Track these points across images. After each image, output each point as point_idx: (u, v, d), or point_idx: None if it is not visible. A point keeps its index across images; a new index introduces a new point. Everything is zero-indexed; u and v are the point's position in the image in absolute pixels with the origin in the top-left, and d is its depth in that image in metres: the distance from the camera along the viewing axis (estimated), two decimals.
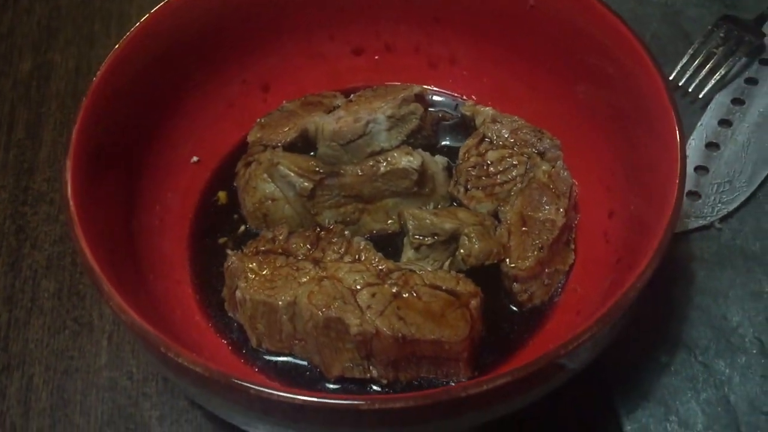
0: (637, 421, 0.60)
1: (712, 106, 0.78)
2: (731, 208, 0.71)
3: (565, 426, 0.61)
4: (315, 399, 0.45)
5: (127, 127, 0.64)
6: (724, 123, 0.76)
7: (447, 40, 0.75)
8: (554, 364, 0.48)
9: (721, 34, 0.80)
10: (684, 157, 0.56)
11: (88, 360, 0.65)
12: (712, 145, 0.75)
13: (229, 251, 0.63)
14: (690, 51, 0.80)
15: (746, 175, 0.73)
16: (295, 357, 0.61)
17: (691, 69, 0.79)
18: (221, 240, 0.67)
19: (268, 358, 0.61)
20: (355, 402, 0.45)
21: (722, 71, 0.78)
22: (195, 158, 0.71)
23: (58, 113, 0.81)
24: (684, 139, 0.57)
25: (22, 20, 0.89)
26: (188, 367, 0.47)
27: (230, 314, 0.63)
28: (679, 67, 0.80)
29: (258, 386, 0.45)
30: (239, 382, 0.46)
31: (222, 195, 0.70)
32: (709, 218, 0.70)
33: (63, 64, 0.85)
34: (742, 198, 0.71)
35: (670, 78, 0.79)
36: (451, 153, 0.71)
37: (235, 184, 0.69)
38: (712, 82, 0.78)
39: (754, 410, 0.60)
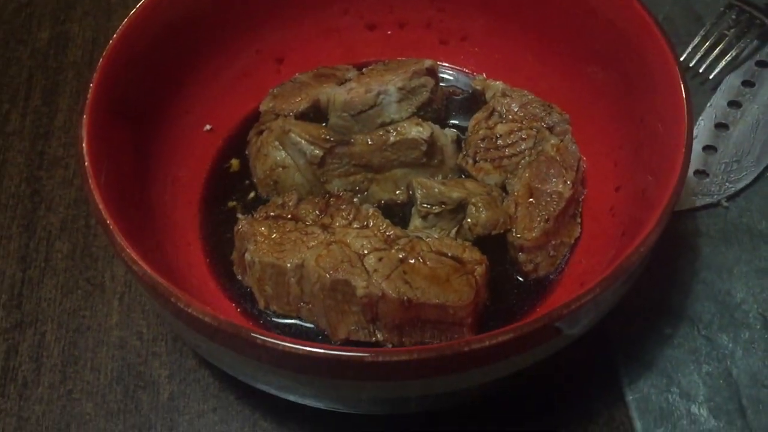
0: (639, 391, 0.61)
1: (722, 87, 0.78)
2: (738, 186, 0.71)
3: (568, 394, 0.62)
4: (320, 350, 0.46)
5: (141, 92, 0.65)
6: (734, 104, 0.77)
7: (459, 17, 0.76)
8: (555, 325, 0.48)
9: (733, 17, 0.81)
10: (691, 130, 0.56)
11: (100, 319, 0.66)
12: (721, 126, 0.75)
13: (239, 215, 0.64)
14: (701, 32, 0.81)
15: (754, 155, 0.73)
16: (302, 320, 0.61)
17: (702, 50, 0.80)
18: (231, 204, 0.68)
19: (276, 321, 0.62)
20: (360, 354, 0.46)
21: (733, 53, 0.79)
22: (208, 126, 0.72)
23: (75, 82, 0.82)
24: (692, 113, 0.57)
25: None
26: (198, 316, 0.47)
27: (239, 277, 0.64)
28: (690, 48, 0.80)
29: (264, 336, 0.46)
30: (246, 330, 0.46)
31: (235, 162, 0.71)
32: (716, 196, 0.71)
33: (80, 34, 0.86)
34: (750, 177, 0.72)
35: (681, 59, 0.79)
36: (461, 128, 0.71)
37: (246, 152, 0.70)
38: (723, 63, 0.79)
39: (756, 383, 0.61)
